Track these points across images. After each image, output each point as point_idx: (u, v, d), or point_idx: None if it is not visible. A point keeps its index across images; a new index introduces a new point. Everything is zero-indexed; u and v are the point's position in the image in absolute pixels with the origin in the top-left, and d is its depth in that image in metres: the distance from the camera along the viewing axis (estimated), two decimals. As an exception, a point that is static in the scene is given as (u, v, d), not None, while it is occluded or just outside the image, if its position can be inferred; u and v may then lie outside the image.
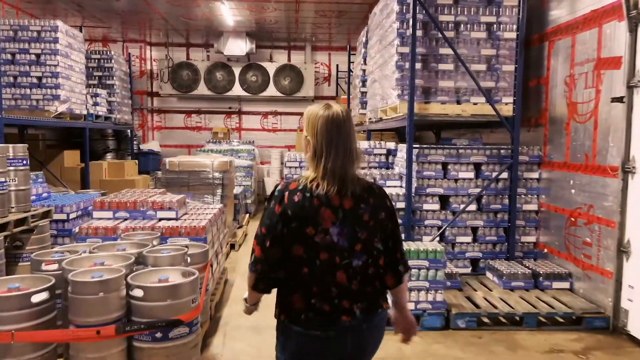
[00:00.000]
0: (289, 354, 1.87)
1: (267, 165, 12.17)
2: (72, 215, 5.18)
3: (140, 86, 12.16)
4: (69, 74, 7.65)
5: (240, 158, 9.52)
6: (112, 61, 9.90)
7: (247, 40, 11.05)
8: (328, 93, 12.77)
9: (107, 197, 4.54)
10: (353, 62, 9.77)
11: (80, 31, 8.29)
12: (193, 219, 4.25)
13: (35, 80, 7.31)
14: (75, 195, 6.15)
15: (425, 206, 5.13)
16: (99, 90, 9.33)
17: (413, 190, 5.08)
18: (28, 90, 7.30)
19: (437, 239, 5.02)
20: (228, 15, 9.26)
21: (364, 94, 7.56)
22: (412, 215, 5.07)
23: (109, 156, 11.13)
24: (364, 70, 7.56)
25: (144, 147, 11.72)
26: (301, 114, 13.16)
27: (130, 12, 9.51)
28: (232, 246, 7.05)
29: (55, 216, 5.08)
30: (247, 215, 8.95)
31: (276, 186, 1.89)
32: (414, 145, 4.95)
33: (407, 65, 5.01)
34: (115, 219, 4.23)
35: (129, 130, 11.27)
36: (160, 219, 4.20)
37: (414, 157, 5.03)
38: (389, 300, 1.99)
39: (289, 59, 12.52)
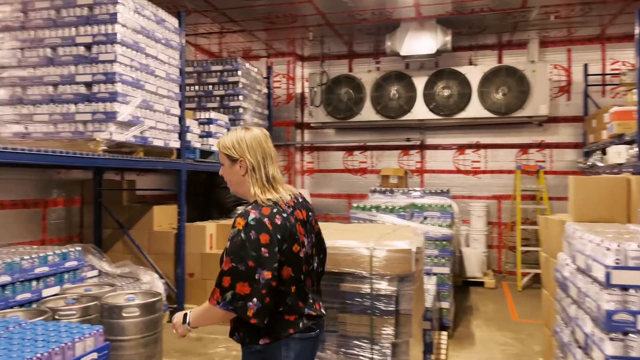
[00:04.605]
0: None
1: (465, 226, 7.75)
2: None
3: (286, 114, 8.95)
4: (140, 79, 4.51)
5: (428, 219, 5.32)
6: (238, 74, 6.76)
7: (439, 32, 7.02)
8: (566, 112, 7.95)
9: None
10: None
11: (178, 18, 5.22)
12: None
13: (82, 89, 4.29)
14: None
15: None
16: (213, 115, 6.17)
17: None
18: (72, 107, 4.29)
19: None
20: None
21: None
22: None
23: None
24: None
25: (287, 197, 8.32)
26: (524, 146, 8.04)
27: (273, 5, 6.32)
28: None
29: None
30: (444, 335, 4.62)
31: (245, 215, 1.85)
32: None
33: None
34: None
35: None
36: None
37: None
38: None
39: (500, 62, 8.13)
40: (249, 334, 1.92)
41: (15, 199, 4.98)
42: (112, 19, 4.20)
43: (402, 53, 7.15)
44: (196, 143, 5.72)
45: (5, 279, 3.37)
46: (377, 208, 5.10)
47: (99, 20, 4.24)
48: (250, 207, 1.89)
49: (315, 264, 2.07)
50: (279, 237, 1.83)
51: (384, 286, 2.42)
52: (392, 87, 7.86)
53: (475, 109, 7.52)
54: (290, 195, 2.00)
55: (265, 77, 7.92)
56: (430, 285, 4.16)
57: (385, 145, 8.67)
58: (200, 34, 7.80)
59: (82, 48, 4.28)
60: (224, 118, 6.41)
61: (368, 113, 8.00)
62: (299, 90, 9.07)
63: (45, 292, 3.69)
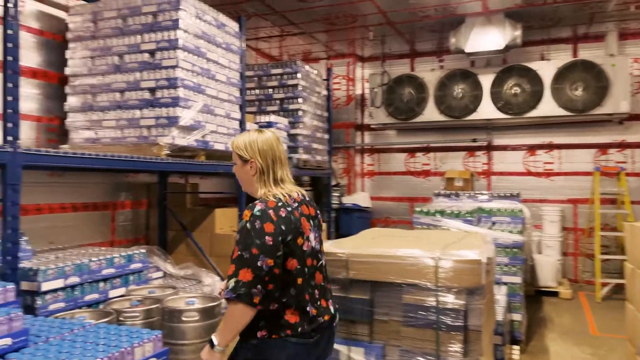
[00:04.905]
0: None
1: (538, 231, 7.28)
2: None
3: (346, 116, 8.85)
4: (201, 84, 4.56)
5: (497, 225, 5.01)
6: (298, 76, 6.73)
7: (508, 26, 6.64)
8: (651, 108, 7.28)
9: None
10: None
11: (239, 22, 5.25)
12: None
13: (147, 95, 4.39)
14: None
15: None
16: (273, 118, 6.18)
17: None
18: (137, 112, 4.41)
19: None
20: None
21: None
22: None
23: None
24: None
25: (347, 200, 8.21)
26: (602, 145, 7.40)
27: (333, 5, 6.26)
28: None
29: None
30: (516, 349, 4.31)
31: (251, 207, 1.95)
32: None
33: None
34: None
35: (328, 177, 7.99)
36: None
37: None
38: None
39: (575, 56, 7.58)
40: (248, 327, 1.96)
41: (87, 202, 5.19)
42: (174, 25, 4.26)
43: (467, 50, 6.83)
44: (256, 146, 5.72)
45: (75, 279, 3.48)
46: (442, 213, 4.87)
47: (162, 27, 4.31)
48: (257, 201, 2.01)
49: (323, 261, 2.11)
50: (283, 228, 1.91)
51: (450, 299, 2.24)
52: (457, 85, 7.55)
53: (547, 107, 7.05)
54: (297, 192, 2.10)
55: (324, 79, 7.85)
56: (500, 295, 3.88)
57: (450, 147, 8.34)
58: (260, 38, 7.86)
59: (146, 55, 4.37)
60: (283, 121, 6.39)
61: (431, 113, 7.73)
62: (359, 91, 8.94)
63: (112, 293, 3.79)
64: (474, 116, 7.48)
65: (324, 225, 6.44)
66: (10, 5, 2.99)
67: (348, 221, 7.96)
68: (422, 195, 8.32)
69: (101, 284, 3.72)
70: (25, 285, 3.22)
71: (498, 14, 6.64)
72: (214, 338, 1.96)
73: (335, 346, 2.49)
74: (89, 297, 3.59)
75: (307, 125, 6.90)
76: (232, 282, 1.86)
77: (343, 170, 8.80)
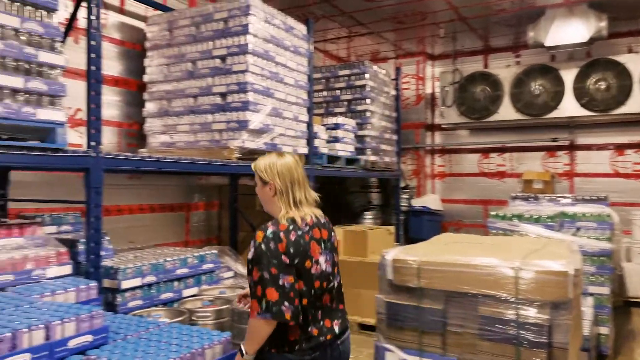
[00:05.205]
0: None
1: (627, 237, 6.69)
2: None
3: (415, 116, 8.62)
4: (270, 88, 4.60)
5: (582, 231, 4.65)
6: (366, 76, 6.64)
7: (592, 17, 6.17)
8: None
9: None
10: None
11: (307, 25, 5.25)
12: None
13: (218, 99, 4.50)
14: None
15: None
16: (340, 120, 6.13)
17: None
18: (209, 117, 4.53)
19: None
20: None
21: None
22: None
23: (368, 217, 7.89)
24: None
25: (417, 203, 8.00)
26: None
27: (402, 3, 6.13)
28: None
29: None
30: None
31: (264, 229, 2.05)
32: None
33: None
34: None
35: (396, 179, 7.85)
36: None
37: None
38: None
39: (670, 48, 6.92)
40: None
41: (164, 203, 5.41)
42: (244, 30, 4.34)
43: (547, 44, 6.42)
44: (323, 149, 5.71)
45: (152, 279, 3.62)
46: (520, 217, 4.59)
47: (232, 33, 4.40)
48: (270, 222, 2.10)
49: (336, 282, 2.20)
50: (292, 250, 2.00)
51: (532, 313, 2.07)
52: (535, 82, 7.12)
53: (637, 103, 6.48)
54: (311, 215, 2.17)
55: (393, 79, 7.70)
56: (586, 307, 3.58)
57: (527, 147, 7.88)
58: (328, 40, 7.86)
59: (217, 60, 4.49)
60: (350, 123, 6.34)
61: (506, 111, 7.35)
62: (429, 90, 8.69)
63: (185, 293, 3.91)
64: (554, 114, 7.02)
65: (392, 228, 6.31)
66: (93, 17, 3.16)
67: (418, 224, 7.75)
68: (497, 198, 7.93)
69: (175, 283, 3.85)
70: (107, 283, 3.38)
71: (581, 5, 6.19)
72: (243, 347, 2.07)
73: (405, 356, 2.39)
74: (164, 296, 3.73)
75: (375, 126, 6.80)
76: (263, 303, 1.97)
77: (412, 171, 8.59)
